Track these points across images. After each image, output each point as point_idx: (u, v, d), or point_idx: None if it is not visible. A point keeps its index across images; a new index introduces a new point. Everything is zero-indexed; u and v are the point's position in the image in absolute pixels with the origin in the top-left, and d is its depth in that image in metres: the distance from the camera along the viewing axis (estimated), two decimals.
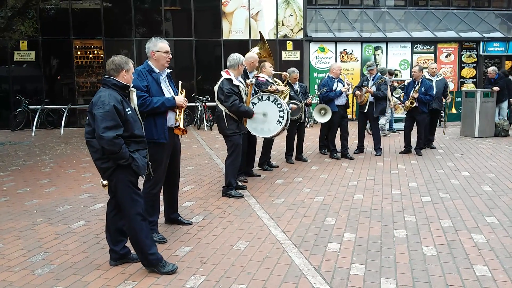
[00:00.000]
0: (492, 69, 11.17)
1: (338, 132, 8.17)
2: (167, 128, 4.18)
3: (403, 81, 12.40)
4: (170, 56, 4.23)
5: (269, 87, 6.64)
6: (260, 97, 6.39)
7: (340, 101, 7.98)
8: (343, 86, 7.98)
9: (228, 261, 3.72)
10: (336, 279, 3.38)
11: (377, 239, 4.17)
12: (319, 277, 3.42)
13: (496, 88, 10.70)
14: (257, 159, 7.22)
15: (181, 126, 4.27)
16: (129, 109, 3.43)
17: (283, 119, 6.38)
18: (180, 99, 4.22)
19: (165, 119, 4.16)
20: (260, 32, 9.01)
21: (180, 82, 4.44)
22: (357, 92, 8.29)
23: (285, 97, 6.94)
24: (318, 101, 12.05)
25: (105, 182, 3.46)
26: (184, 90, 4.41)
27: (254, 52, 7.06)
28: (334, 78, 7.99)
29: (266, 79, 6.87)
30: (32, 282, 3.40)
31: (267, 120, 6.33)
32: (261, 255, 3.83)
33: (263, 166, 7.29)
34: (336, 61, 14.67)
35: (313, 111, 7.94)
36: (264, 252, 3.90)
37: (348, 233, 4.34)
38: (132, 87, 3.89)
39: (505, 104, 11.47)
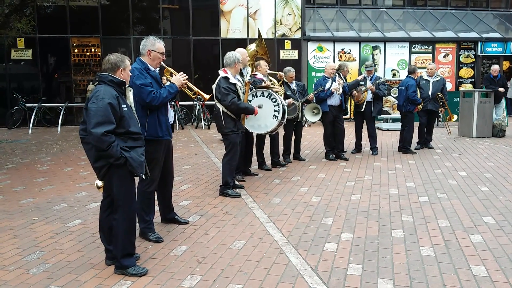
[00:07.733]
0: (496, 67, 11.33)
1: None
2: (170, 124, 4.32)
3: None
4: (164, 57, 4.30)
5: (262, 83, 6.64)
6: (254, 94, 6.45)
7: (333, 101, 7.75)
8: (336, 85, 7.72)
9: (225, 261, 3.71)
10: (333, 279, 3.37)
11: (374, 239, 4.16)
12: (316, 277, 3.40)
13: (502, 89, 10.79)
14: (254, 159, 7.20)
15: (205, 96, 4.57)
16: (124, 105, 3.42)
17: (278, 113, 6.40)
18: (177, 78, 4.31)
19: (168, 116, 4.27)
20: (258, 29, 9.01)
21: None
22: (354, 92, 8.29)
23: (280, 95, 6.91)
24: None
25: (100, 183, 3.43)
26: (170, 67, 4.48)
27: (249, 50, 7.04)
28: (328, 78, 7.77)
29: (262, 78, 6.85)
30: (27, 281, 3.37)
31: (262, 116, 6.32)
32: (258, 255, 3.82)
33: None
34: (334, 61, 14.64)
35: (305, 110, 7.88)
36: (261, 252, 3.88)
37: (346, 233, 4.32)
38: (140, 84, 3.94)
39: (502, 103, 11.51)
